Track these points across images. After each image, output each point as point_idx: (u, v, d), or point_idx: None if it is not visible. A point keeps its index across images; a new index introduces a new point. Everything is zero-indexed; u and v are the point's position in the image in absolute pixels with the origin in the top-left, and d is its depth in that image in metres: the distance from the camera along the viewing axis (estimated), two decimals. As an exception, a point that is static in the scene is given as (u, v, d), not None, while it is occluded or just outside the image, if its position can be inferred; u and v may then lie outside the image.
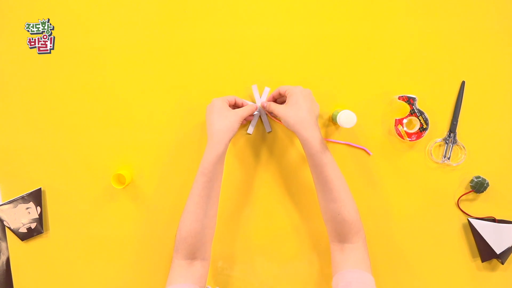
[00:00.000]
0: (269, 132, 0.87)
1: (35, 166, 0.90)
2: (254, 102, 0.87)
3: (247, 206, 0.89)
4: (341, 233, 0.74)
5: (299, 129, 0.73)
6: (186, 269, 0.74)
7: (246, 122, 0.87)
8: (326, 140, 0.87)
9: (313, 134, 0.73)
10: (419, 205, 0.87)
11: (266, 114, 0.87)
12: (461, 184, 0.87)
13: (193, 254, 0.74)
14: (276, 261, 0.89)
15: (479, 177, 0.85)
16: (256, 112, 0.86)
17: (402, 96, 0.84)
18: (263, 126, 0.88)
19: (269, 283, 0.89)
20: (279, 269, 0.89)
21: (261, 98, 0.87)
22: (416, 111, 0.84)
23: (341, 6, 0.87)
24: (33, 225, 0.90)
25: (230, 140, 0.76)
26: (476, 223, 0.85)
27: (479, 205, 0.87)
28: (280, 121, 0.85)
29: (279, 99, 0.84)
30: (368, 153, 0.87)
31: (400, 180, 0.87)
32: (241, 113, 0.78)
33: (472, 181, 0.86)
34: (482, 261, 0.86)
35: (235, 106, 0.84)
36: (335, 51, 0.87)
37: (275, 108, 0.78)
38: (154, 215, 0.90)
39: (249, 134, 0.87)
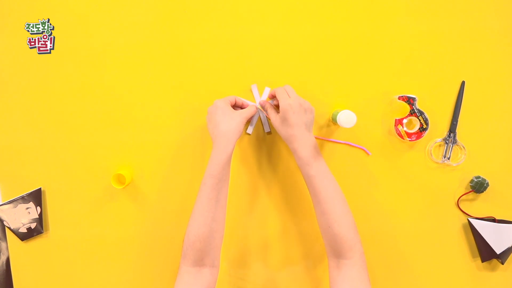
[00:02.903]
0: (268, 132, 0.87)
1: (35, 166, 0.90)
2: (254, 101, 0.87)
3: (245, 209, 0.89)
4: (334, 247, 0.72)
5: (289, 143, 0.76)
6: (194, 276, 0.71)
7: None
8: (326, 140, 0.87)
9: (300, 147, 0.74)
10: (419, 205, 0.87)
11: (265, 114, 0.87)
12: (461, 184, 0.87)
13: (201, 260, 0.72)
14: (272, 266, 0.89)
15: (479, 177, 0.85)
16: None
17: (402, 96, 0.84)
18: (262, 126, 0.88)
19: (267, 287, 0.89)
20: (275, 274, 0.89)
21: (261, 98, 0.87)
22: (416, 111, 0.84)
23: (341, 6, 0.87)
24: (33, 225, 0.90)
25: (237, 140, 0.76)
26: (476, 223, 0.85)
27: (479, 205, 0.87)
28: None
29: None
30: (367, 153, 0.87)
31: (400, 180, 0.87)
32: (245, 114, 0.78)
33: (472, 181, 0.86)
34: (482, 261, 0.86)
35: (235, 106, 0.84)
36: (335, 51, 0.87)
37: (272, 114, 0.80)
38: (154, 215, 0.90)
39: (249, 134, 0.87)
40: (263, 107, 0.84)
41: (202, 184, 0.74)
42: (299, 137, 0.75)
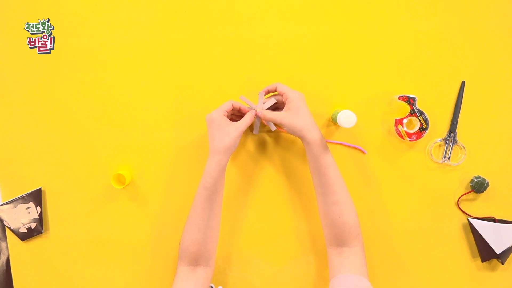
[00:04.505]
0: (274, 130, 0.85)
1: (35, 166, 0.90)
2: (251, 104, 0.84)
3: (246, 207, 0.89)
4: (340, 237, 0.74)
5: (305, 133, 0.74)
6: (188, 274, 0.76)
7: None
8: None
9: (317, 136, 0.75)
10: (419, 205, 0.87)
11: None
12: (461, 184, 0.87)
13: (195, 261, 0.76)
14: (274, 262, 0.89)
15: (479, 177, 0.85)
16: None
17: (402, 96, 0.84)
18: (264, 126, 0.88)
19: (268, 283, 0.89)
20: (277, 269, 0.89)
21: (258, 104, 0.82)
22: (416, 111, 0.84)
23: (341, 6, 0.87)
24: (33, 225, 0.90)
25: (231, 153, 0.76)
26: (476, 223, 0.85)
27: (479, 205, 0.87)
28: (280, 127, 0.84)
29: (274, 96, 0.82)
30: (363, 152, 0.87)
31: (400, 180, 0.87)
32: (241, 127, 0.76)
33: (472, 181, 0.86)
34: (482, 261, 0.86)
35: (233, 110, 0.81)
36: (335, 51, 0.87)
37: (275, 116, 0.77)
38: (154, 215, 0.90)
39: (256, 133, 0.86)
40: (264, 119, 0.80)
41: (197, 194, 0.76)
42: (314, 126, 0.75)
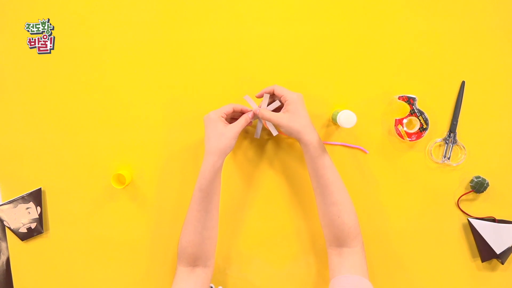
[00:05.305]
0: (276, 134, 0.83)
1: (35, 166, 0.90)
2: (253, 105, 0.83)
3: (246, 206, 0.89)
4: (340, 237, 0.75)
5: (303, 135, 0.74)
6: (187, 275, 0.76)
7: (251, 125, 0.83)
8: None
9: (314, 138, 0.75)
10: (419, 205, 0.87)
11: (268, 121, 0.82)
12: (461, 184, 0.87)
13: (194, 261, 0.76)
14: (274, 262, 0.89)
15: (479, 177, 0.85)
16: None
17: (402, 96, 0.84)
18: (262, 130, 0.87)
19: (268, 283, 0.89)
20: (277, 269, 0.89)
21: (262, 105, 0.81)
22: (416, 111, 0.84)
23: (341, 6, 0.87)
24: (33, 225, 0.90)
25: (227, 155, 0.76)
26: (476, 223, 0.85)
27: (479, 205, 0.87)
28: (279, 129, 0.83)
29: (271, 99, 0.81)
30: (365, 152, 0.87)
31: (400, 180, 0.87)
32: (237, 129, 0.75)
33: (472, 181, 0.86)
34: (482, 261, 0.86)
35: (233, 113, 0.80)
36: (335, 51, 0.87)
37: (273, 116, 0.76)
38: (154, 215, 0.90)
39: (257, 137, 0.85)
40: (262, 118, 0.79)
41: (193, 195, 0.76)
42: (311, 128, 0.75)
